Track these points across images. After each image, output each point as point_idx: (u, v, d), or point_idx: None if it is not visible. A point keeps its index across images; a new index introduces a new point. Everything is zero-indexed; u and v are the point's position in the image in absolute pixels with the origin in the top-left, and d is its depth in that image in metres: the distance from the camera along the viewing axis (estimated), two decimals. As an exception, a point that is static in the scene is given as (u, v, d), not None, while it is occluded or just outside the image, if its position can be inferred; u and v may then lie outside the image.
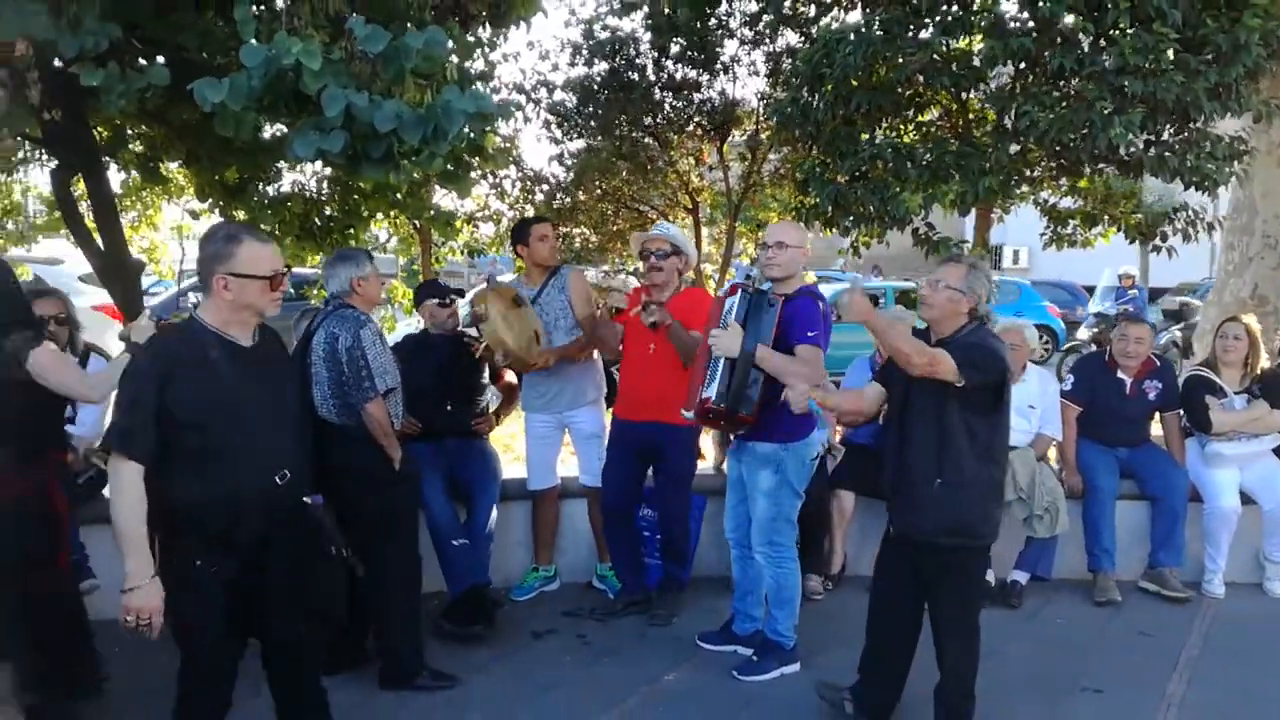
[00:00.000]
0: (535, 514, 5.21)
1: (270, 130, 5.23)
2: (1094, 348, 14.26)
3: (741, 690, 4.16)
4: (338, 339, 3.92)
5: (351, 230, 7.08)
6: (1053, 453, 5.55)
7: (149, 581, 2.65)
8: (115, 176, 6.93)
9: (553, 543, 5.25)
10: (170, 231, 10.05)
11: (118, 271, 5.72)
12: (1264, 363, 5.54)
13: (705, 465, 5.55)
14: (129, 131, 6.12)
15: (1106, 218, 7.41)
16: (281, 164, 6.38)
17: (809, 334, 4.03)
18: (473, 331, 4.86)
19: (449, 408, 4.84)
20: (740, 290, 4.13)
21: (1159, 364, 5.60)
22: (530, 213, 8.77)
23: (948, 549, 3.55)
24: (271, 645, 3.08)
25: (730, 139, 8.23)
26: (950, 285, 3.49)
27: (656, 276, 4.74)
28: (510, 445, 6.65)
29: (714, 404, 4.03)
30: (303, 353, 4.01)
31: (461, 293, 5.31)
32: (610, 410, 5.11)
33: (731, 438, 4.48)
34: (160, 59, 4.46)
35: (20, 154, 6.62)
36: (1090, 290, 21.53)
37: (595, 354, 5.14)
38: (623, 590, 5.00)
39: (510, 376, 5.25)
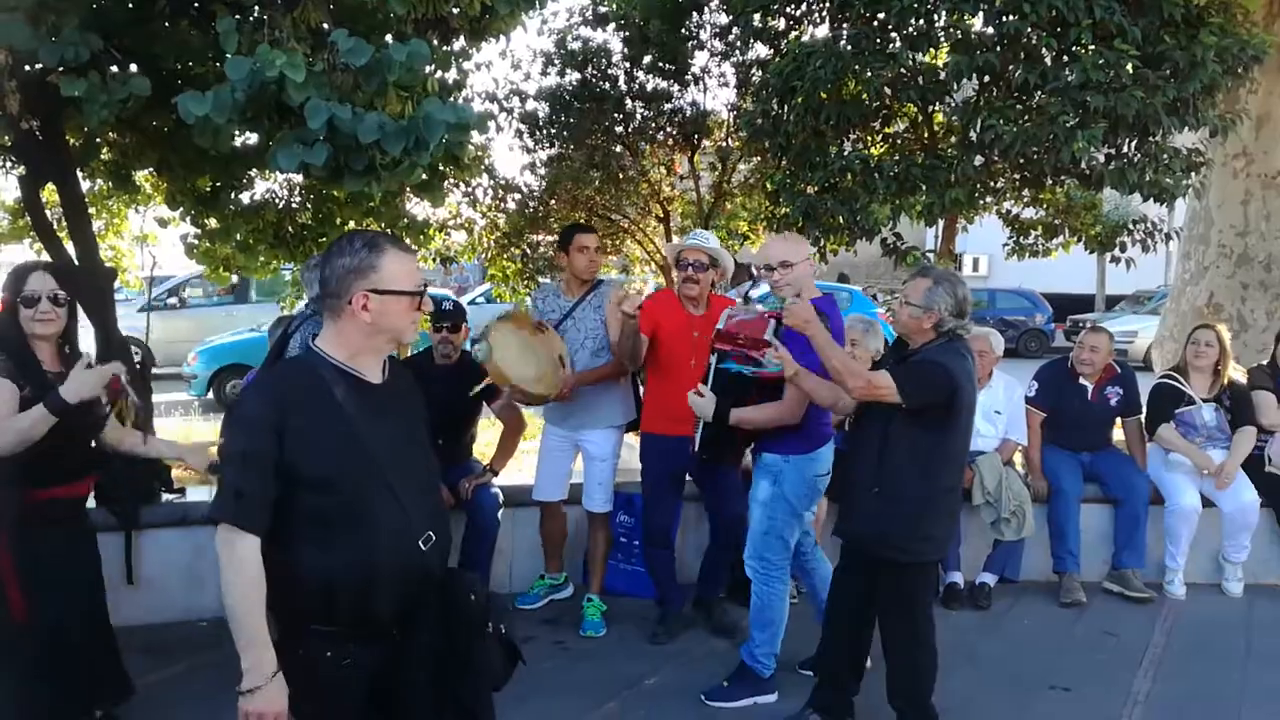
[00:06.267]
0: (541, 524, 5.16)
1: (241, 138, 5.22)
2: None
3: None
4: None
5: (325, 238, 7.06)
6: (1018, 457, 5.69)
7: (271, 680, 2.15)
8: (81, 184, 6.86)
9: (560, 552, 5.18)
10: (134, 240, 9.94)
11: (91, 279, 5.67)
12: (1232, 372, 5.66)
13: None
14: (98, 140, 6.08)
15: (1067, 229, 7.57)
16: (254, 172, 6.37)
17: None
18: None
19: (439, 441, 4.74)
20: (774, 320, 3.82)
21: (1120, 371, 5.77)
22: (502, 220, 8.78)
23: (885, 560, 3.59)
24: None
25: (701, 149, 8.33)
26: (910, 302, 3.55)
27: (690, 289, 4.51)
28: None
29: (699, 455, 4.06)
30: (276, 359, 3.98)
31: (462, 314, 4.95)
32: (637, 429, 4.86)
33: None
34: (134, 68, 4.46)
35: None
36: (1048, 298, 21.96)
37: (624, 378, 4.87)
38: (672, 608, 4.85)
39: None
